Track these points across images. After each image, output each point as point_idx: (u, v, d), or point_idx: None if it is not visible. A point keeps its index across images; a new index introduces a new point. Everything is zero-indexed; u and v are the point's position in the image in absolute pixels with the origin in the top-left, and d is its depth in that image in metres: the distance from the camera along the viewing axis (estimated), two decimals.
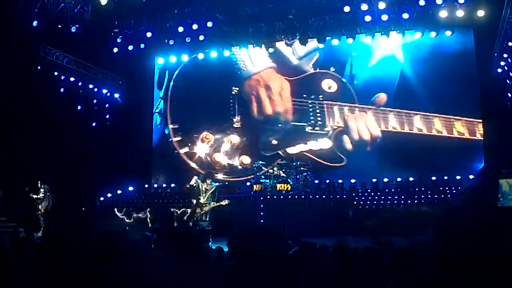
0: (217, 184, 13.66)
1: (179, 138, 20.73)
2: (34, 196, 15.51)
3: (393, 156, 17.97)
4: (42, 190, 15.54)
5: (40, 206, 15.48)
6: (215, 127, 20.44)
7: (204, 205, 13.21)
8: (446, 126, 17.65)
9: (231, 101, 20.20)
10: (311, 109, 19.43)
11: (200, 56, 19.24)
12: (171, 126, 20.99)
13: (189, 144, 20.57)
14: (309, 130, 19.26)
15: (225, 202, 13.69)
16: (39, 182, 15.54)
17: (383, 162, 18.17)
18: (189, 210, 13.89)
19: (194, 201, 13.27)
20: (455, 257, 1.42)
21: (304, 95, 19.59)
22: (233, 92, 20.05)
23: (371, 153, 18.36)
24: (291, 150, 18.97)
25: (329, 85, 19.52)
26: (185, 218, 13.81)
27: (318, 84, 19.59)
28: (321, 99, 19.38)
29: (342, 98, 19.25)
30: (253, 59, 20.24)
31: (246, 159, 19.78)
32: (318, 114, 19.32)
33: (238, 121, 20.02)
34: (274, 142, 19.27)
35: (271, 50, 18.72)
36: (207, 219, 13.33)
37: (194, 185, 13.51)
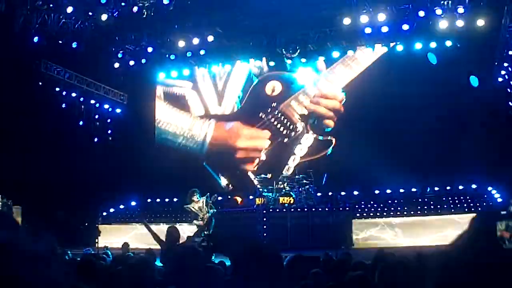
0: (206, 196, 13.64)
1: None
2: None
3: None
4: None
5: None
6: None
7: (205, 216, 13.19)
8: None
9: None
10: (275, 122, 19.04)
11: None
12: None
13: None
14: (287, 141, 18.87)
15: (212, 197, 13.72)
16: None
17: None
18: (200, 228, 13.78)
19: (197, 222, 13.26)
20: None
21: (261, 115, 19.21)
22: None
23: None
24: (288, 170, 18.32)
25: (272, 88, 19.33)
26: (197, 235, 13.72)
27: (262, 95, 19.42)
28: (275, 105, 19.10)
29: (292, 91, 18.99)
30: (197, 132, 20.28)
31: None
32: (285, 121, 18.93)
33: (227, 184, 19.29)
34: (269, 176, 17.72)
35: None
36: (211, 228, 13.29)
37: (188, 210, 13.51)
